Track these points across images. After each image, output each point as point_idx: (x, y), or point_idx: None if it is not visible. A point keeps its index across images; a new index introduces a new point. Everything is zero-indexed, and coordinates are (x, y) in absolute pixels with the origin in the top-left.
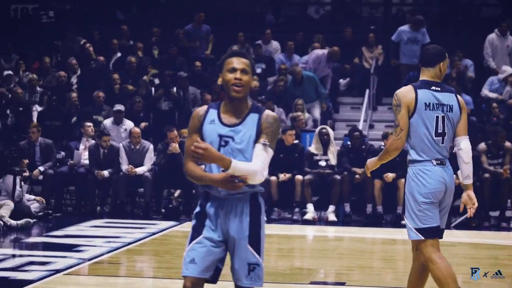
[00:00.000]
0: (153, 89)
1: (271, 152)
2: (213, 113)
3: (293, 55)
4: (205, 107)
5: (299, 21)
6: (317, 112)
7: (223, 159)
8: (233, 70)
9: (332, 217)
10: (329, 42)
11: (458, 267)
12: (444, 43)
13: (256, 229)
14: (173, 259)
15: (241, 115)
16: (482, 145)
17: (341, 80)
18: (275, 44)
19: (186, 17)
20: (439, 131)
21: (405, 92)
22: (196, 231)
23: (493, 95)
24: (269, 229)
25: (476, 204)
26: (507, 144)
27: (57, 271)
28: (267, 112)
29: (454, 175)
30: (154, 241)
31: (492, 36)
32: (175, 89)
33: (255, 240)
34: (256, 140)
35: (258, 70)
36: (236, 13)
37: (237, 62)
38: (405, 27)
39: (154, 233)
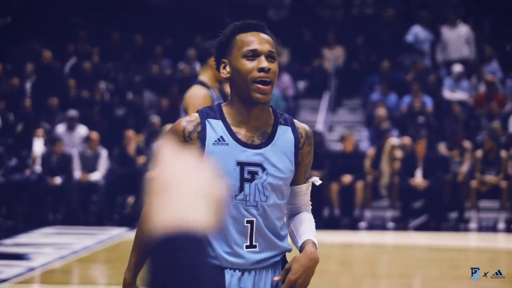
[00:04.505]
0: (108, 94)
1: None
2: (217, 126)
3: None
4: (194, 116)
5: None
6: None
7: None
8: (255, 54)
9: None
10: (289, 44)
11: (415, 270)
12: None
13: None
14: (124, 266)
15: (266, 127)
16: (443, 146)
17: (300, 82)
18: None
19: (145, 20)
20: None
21: None
22: None
23: (456, 95)
24: None
25: None
26: (467, 144)
27: (3, 280)
28: (300, 124)
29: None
30: (106, 248)
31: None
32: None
33: None
34: (297, 172)
35: None
36: (195, 17)
37: (260, 42)
38: (417, 27)
39: (106, 240)
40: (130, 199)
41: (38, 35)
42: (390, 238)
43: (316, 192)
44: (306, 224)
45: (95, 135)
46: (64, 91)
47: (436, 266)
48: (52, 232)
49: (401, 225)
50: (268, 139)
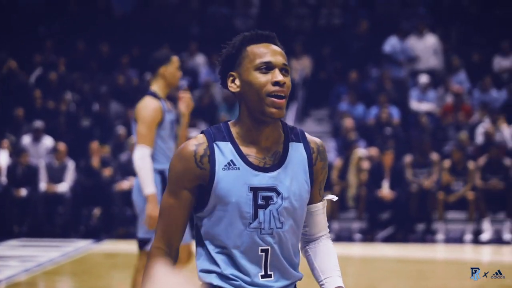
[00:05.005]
0: (74, 105)
1: None
2: (226, 149)
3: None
4: (202, 139)
5: (225, 34)
6: None
7: None
8: (268, 67)
9: None
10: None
11: (382, 281)
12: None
13: None
14: (91, 278)
15: (277, 146)
16: (408, 157)
17: None
18: (199, 57)
19: (111, 30)
20: None
21: None
22: None
23: (423, 106)
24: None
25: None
26: (434, 156)
27: None
28: (311, 137)
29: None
30: (72, 261)
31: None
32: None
33: None
34: (312, 190)
35: (184, 83)
36: (162, 26)
37: (273, 53)
38: (393, 38)
39: (72, 252)
40: (96, 211)
41: (3, 45)
42: (357, 249)
43: None
44: (331, 260)
45: (62, 146)
46: (30, 102)
47: (404, 278)
48: (17, 245)
49: (368, 236)
50: (280, 159)
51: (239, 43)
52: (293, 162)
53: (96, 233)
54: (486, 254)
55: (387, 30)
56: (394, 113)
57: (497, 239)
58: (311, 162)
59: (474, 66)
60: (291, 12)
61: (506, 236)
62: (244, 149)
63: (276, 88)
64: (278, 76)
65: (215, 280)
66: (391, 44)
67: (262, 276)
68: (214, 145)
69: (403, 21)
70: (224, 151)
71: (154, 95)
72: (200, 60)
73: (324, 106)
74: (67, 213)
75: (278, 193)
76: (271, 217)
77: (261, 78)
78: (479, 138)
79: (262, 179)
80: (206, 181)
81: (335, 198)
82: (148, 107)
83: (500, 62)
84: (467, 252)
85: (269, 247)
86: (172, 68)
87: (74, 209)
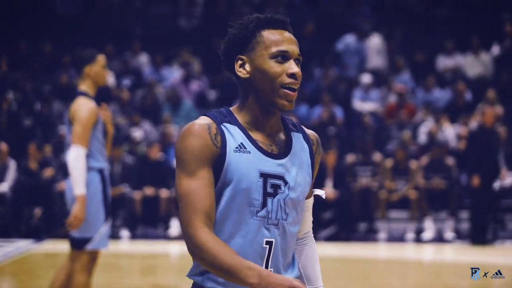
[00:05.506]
0: (16, 104)
1: None
2: (234, 131)
3: (162, 67)
4: (207, 119)
5: (169, 33)
6: None
7: None
8: (285, 57)
9: None
10: (200, 54)
11: (323, 280)
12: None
13: None
14: (31, 279)
15: (280, 135)
16: (351, 157)
17: (211, 92)
18: (143, 57)
19: (53, 29)
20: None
21: None
22: None
23: (366, 106)
24: (133, 245)
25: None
26: (377, 155)
27: None
28: (307, 129)
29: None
30: (12, 261)
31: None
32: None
33: None
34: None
35: (127, 82)
36: (105, 26)
37: (290, 42)
38: (349, 36)
39: (12, 252)
40: (37, 211)
41: None
42: None
43: None
44: (317, 268)
45: (3, 146)
46: None
47: (346, 277)
48: None
49: None
50: (285, 148)
51: (253, 26)
52: (297, 152)
53: (37, 233)
54: (428, 253)
55: (332, 29)
56: (338, 112)
57: (439, 238)
58: (312, 154)
59: (417, 66)
60: (235, 11)
61: (448, 234)
62: (252, 134)
63: (291, 80)
64: (294, 67)
65: (209, 283)
66: (345, 43)
67: None
68: (222, 126)
69: (349, 20)
70: (233, 134)
71: (86, 95)
72: (143, 59)
73: None
74: (7, 213)
75: (286, 182)
76: (278, 207)
77: (276, 68)
78: (422, 138)
79: (272, 165)
80: (218, 161)
81: (323, 194)
82: (83, 107)
83: (444, 62)
84: (409, 251)
85: (273, 239)
86: (97, 67)
87: (14, 209)
